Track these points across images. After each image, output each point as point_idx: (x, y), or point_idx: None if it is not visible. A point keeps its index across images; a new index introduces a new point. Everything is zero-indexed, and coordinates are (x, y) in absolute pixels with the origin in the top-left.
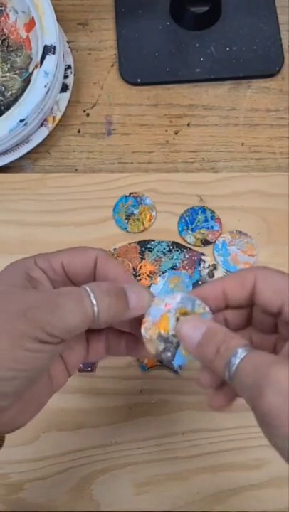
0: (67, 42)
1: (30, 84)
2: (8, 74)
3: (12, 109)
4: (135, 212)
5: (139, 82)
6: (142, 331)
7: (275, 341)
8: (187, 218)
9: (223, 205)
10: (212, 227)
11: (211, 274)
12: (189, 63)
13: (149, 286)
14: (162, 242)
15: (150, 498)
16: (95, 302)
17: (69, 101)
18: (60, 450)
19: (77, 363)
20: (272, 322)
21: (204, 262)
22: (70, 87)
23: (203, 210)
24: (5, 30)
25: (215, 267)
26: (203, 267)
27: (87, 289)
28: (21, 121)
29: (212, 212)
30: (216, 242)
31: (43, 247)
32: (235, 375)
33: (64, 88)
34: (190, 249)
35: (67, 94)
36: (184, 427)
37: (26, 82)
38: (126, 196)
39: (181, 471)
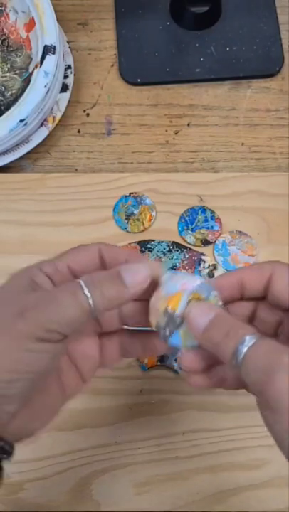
0: (67, 42)
1: (30, 84)
2: (8, 74)
3: (12, 109)
4: (135, 212)
5: (139, 82)
6: (152, 299)
7: None
8: (187, 218)
9: (223, 205)
10: (212, 227)
11: (211, 274)
12: (189, 63)
13: None
14: (162, 242)
15: (150, 498)
16: (88, 293)
17: (69, 101)
18: (60, 450)
19: (92, 370)
20: (275, 322)
21: (204, 262)
22: (70, 87)
23: (203, 210)
24: (5, 30)
25: (215, 267)
26: (203, 267)
27: (80, 281)
28: (21, 121)
29: (212, 212)
30: (216, 242)
31: (43, 247)
32: (245, 357)
33: (64, 88)
34: (190, 249)
35: (67, 94)
36: (184, 427)
37: (26, 82)
38: (126, 196)
39: (181, 471)
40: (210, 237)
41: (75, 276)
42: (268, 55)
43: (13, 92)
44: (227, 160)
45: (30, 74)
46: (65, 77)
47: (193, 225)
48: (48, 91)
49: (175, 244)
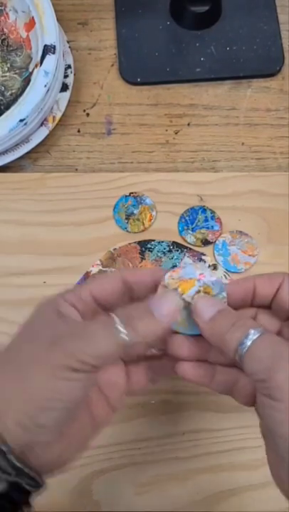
0: (67, 41)
1: (30, 83)
2: (8, 73)
3: (12, 108)
4: (135, 212)
5: (139, 81)
6: (167, 275)
7: None
8: (187, 218)
9: (223, 205)
10: (212, 227)
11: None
12: (189, 63)
13: None
14: (162, 242)
15: (150, 498)
16: (122, 329)
17: (69, 100)
18: None
19: (119, 397)
20: (274, 331)
21: (204, 261)
22: (70, 87)
23: (204, 209)
24: (5, 29)
25: (215, 266)
26: None
27: (113, 315)
28: (21, 120)
29: (212, 212)
30: (217, 242)
31: (43, 247)
32: (251, 347)
33: (64, 88)
34: (190, 249)
35: (67, 94)
36: (184, 427)
37: (26, 81)
38: (126, 196)
39: (181, 471)
40: (210, 237)
41: (98, 304)
42: (268, 55)
43: (13, 91)
44: (227, 160)
45: (30, 73)
46: (65, 76)
47: (194, 225)
48: (47, 90)
49: (175, 244)
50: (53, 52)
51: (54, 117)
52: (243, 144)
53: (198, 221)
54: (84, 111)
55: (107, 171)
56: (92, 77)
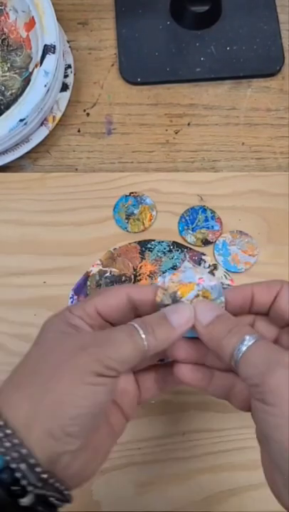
0: (68, 41)
1: (30, 83)
2: (8, 73)
3: (12, 108)
4: (135, 211)
5: (140, 81)
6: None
7: None
8: (187, 218)
9: (223, 205)
10: (212, 226)
11: (211, 274)
12: (189, 63)
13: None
14: (162, 241)
15: (150, 498)
16: (143, 335)
17: (69, 100)
18: None
19: (132, 407)
20: (271, 339)
21: (205, 261)
22: (70, 87)
23: (204, 209)
24: (5, 29)
25: (215, 266)
26: (204, 267)
27: (134, 324)
28: (21, 120)
29: (212, 211)
30: (217, 241)
31: (43, 247)
32: (246, 353)
33: (64, 87)
34: (190, 249)
35: (67, 94)
36: (184, 427)
37: (26, 81)
38: (126, 196)
39: (182, 471)
40: (210, 237)
41: (103, 319)
42: (268, 55)
43: (13, 91)
44: (227, 159)
45: (30, 73)
46: (65, 76)
47: (194, 225)
48: (48, 90)
49: (175, 244)
50: (53, 52)
51: (54, 117)
52: (243, 143)
53: (199, 221)
54: (84, 111)
55: (107, 171)
56: (93, 76)
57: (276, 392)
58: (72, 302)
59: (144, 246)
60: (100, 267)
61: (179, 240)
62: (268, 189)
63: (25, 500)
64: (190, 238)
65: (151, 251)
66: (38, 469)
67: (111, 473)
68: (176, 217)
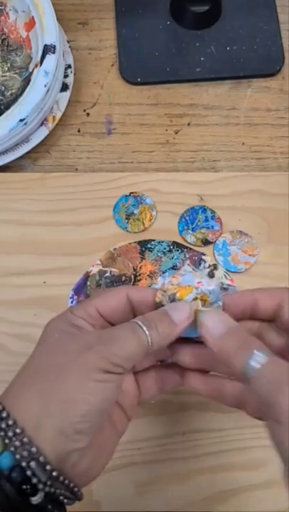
0: (68, 41)
1: (30, 83)
2: (8, 73)
3: (12, 108)
4: (135, 211)
5: (140, 81)
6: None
7: None
8: (187, 218)
9: (223, 205)
10: (212, 226)
11: (211, 274)
12: (189, 63)
13: (149, 286)
14: (162, 241)
15: (150, 498)
16: (146, 331)
17: (69, 100)
18: None
19: (133, 407)
20: (282, 346)
21: (205, 261)
22: (70, 87)
23: (204, 209)
24: (5, 29)
25: (215, 266)
26: (204, 267)
27: (137, 321)
28: (21, 120)
29: (212, 211)
30: (217, 241)
31: (43, 247)
32: (257, 371)
33: (64, 87)
34: (190, 249)
35: (67, 94)
36: (184, 427)
37: (26, 81)
38: (126, 196)
39: (182, 472)
40: (210, 237)
41: (104, 318)
42: (268, 55)
43: (13, 91)
44: (227, 159)
45: (30, 73)
46: (65, 76)
47: (194, 225)
48: (48, 90)
49: (175, 244)
50: (53, 52)
51: (54, 117)
52: (243, 143)
53: (199, 221)
54: (84, 111)
55: (107, 171)
56: (93, 76)
57: (286, 411)
58: (72, 302)
59: (144, 246)
60: (100, 267)
61: (179, 240)
62: (268, 189)
63: (36, 499)
64: (190, 238)
65: (151, 251)
66: (48, 467)
67: (111, 473)
68: (176, 217)
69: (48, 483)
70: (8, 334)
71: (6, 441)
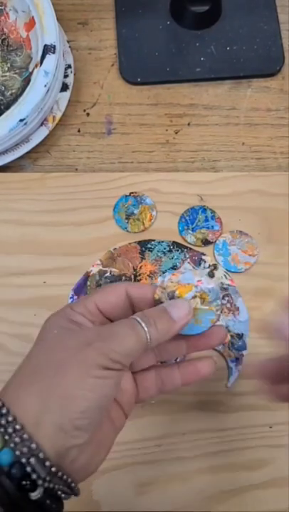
0: (68, 41)
1: (30, 83)
2: (8, 73)
3: (12, 108)
4: (135, 211)
5: (140, 81)
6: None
7: None
8: (187, 218)
9: (223, 205)
10: (212, 226)
11: (211, 274)
12: (189, 63)
13: None
14: (162, 241)
15: (151, 498)
16: (145, 327)
17: (69, 100)
18: None
19: (130, 405)
20: None
21: (205, 261)
22: (70, 87)
23: (204, 209)
24: (5, 29)
25: (215, 266)
26: (204, 267)
27: (136, 317)
28: (21, 120)
29: (212, 211)
30: (217, 241)
31: (43, 247)
32: None
33: (64, 87)
34: (190, 249)
35: (67, 94)
36: (185, 427)
37: (26, 81)
38: (126, 196)
39: (182, 472)
40: (210, 237)
41: (103, 315)
42: (269, 55)
43: (13, 91)
44: (227, 159)
45: (30, 73)
46: (65, 76)
47: (194, 225)
48: (48, 90)
49: (175, 244)
50: (53, 52)
51: (54, 117)
52: (243, 143)
53: (199, 221)
54: (84, 111)
55: (107, 171)
56: (93, 76)
57: None
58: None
59: (144, 246)
60: (100, 267)
61: (179, 240)
62: (268, 189)
63: (35, 494)
64: (190, 238)
65: (151, 251)
66: (47, 463)
67: (111, 473)
68: (176, 217)
69: (48, 478)
70: (8, 334)
71: (6, 437)
